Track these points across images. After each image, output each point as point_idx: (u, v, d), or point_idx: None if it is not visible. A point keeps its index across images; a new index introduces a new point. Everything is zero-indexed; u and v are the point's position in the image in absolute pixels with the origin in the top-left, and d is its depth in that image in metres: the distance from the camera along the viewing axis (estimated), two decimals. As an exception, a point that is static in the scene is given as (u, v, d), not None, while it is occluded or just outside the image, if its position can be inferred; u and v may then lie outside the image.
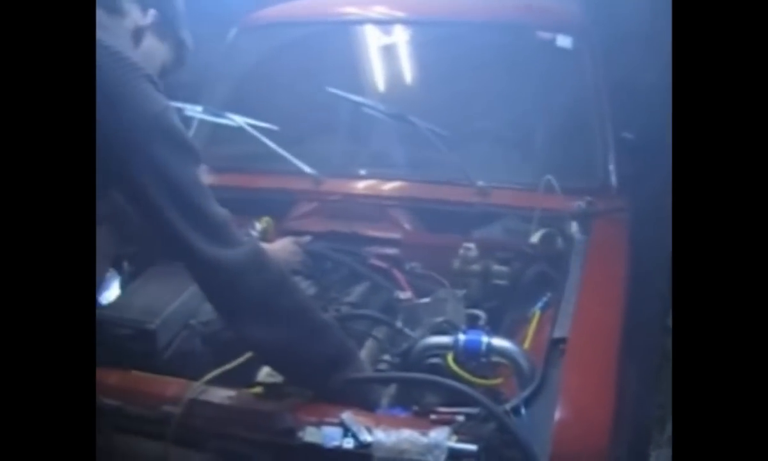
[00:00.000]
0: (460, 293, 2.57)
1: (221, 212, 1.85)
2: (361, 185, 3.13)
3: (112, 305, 2.33)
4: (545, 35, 3.26)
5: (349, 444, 1.79)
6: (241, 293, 1.83)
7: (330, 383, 1.94)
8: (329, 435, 1.82)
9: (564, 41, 3.22)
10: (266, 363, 2.00)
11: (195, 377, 2.01)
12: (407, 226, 2.92)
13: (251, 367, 2.03)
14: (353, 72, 3.40)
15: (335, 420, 1.84)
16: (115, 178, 1.79)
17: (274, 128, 3.09)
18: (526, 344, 2.19)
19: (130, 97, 1.75)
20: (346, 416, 1.83)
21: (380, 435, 1.77)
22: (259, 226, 2.88)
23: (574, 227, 2.65)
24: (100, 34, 1.77)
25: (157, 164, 1.74)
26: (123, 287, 2.53)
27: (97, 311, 2.28)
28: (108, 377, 2.08)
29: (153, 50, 2.08)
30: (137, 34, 2.03)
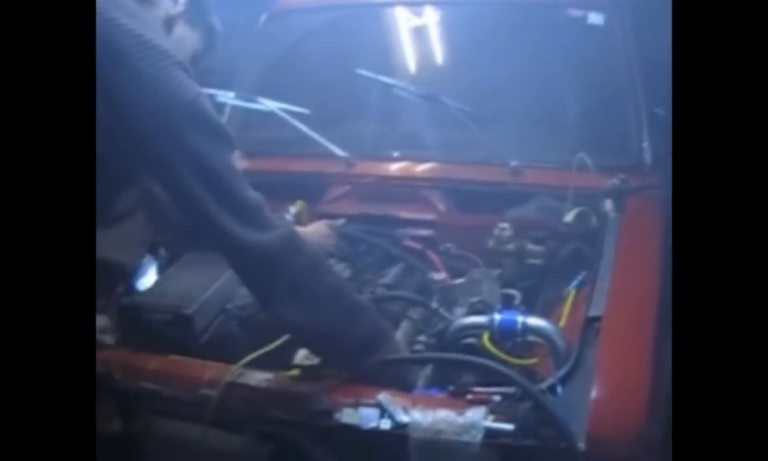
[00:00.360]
0: (495, 273, 2.57)
1: (255, 196, 1.85)
2: (393, 167, 3.13)
3: (149, 291, 2.36)
4: (577, 12, 3.23)
5: (386, 424, 1.80)
6: (275, 276, 1.84)
7: (365, 364, 1.95)
8: (366, 417, 1.83)
9: (596, 18, 3.19)
10: (302, 345, 2.01)
11: (232, 360, 2.03)
12: (441, 207, 2.91)
13: (288, 350, 2.04)
14: (384, 54, 3.40)
15: (372, 402, 1.85)
16: (149, 165, 1.81)
17: (306, 112, 3.10)
18: (562, 323, 2.19)
19: (162, 85, 1.75)
20: (383, 397, 1.84)
21: (417, 416, 1.77)
22: (293, 210, 2.89)
23: (608, 204, 2.63)
24: (131, 23, 1.78)
25: (191, 151, 1.75)
26: (159, 273, 2.56)
27: (135, 297, 2.32)
28: (146, 362, 2.11)
29: (184, 38, 2.09)
30: (169, 23, 2.04)
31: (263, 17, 3.75)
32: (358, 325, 1.95)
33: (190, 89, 1.79)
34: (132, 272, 2.39)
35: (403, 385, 1.97)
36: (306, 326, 1.90)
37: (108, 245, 1.90)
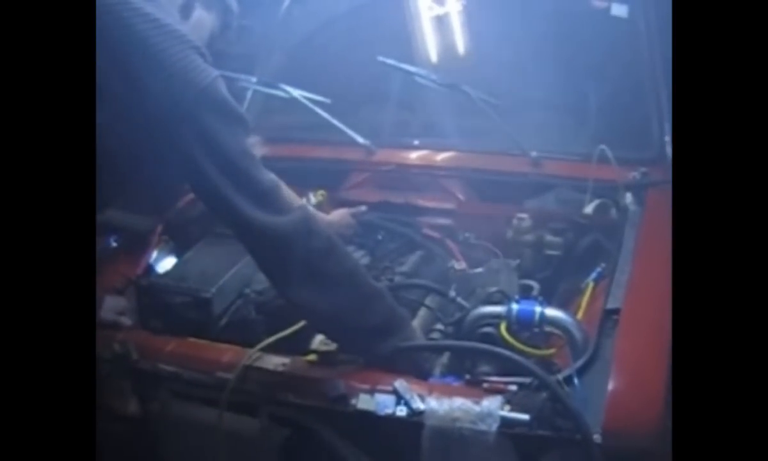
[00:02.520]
0: (514, 263, 2.57)
1: (271, 178, 1.87)
2: (413, 155, 3.13)
3: (168, 274, 2.37)
4: (600, 4, 3.21)
5: (402, 411, 1.81)
6: (291, 259, 1.84)
7: (381, 349, 1.96)
8: (382, 403, 1.84)
9: (619, 10, 3.17)
10: (317, 329, 2.02)
11: (249, 344, 2.04)
12: (460, 196, 2.91)
13: (305, 335, 2.06)
14: (406, 42, 3.39)
15: (388, 388, 1.86)
16: (167, 148, 1.81)
17: (327, 100, 3.10)
18: (580, 315, 2.19)
19: (179, 69, 1.77)
20: (399, 384, 1.84)
21: (433, 403, 1.78)
22: (314, 199, 2.90)
23: (628, 198, 2.63)
24: (149, 7, 1.79)
25: (207, 134, 1.77)
26: (178, 256, 2.57)
27: (154, 280, 2.33)
28: (164, 344, 2.13)
29: (201, 21, 2.09)
30: (186, 8, 2.04)
31: (286, 2, 3.74)
32: (374, 310, 1.95)
33: (207, 74, 1.80)
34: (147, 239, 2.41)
35: (419, 373, 1.98)
36: (321, 311, 1.90)
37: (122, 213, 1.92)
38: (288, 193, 1.91)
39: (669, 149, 2.87)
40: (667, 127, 2.91)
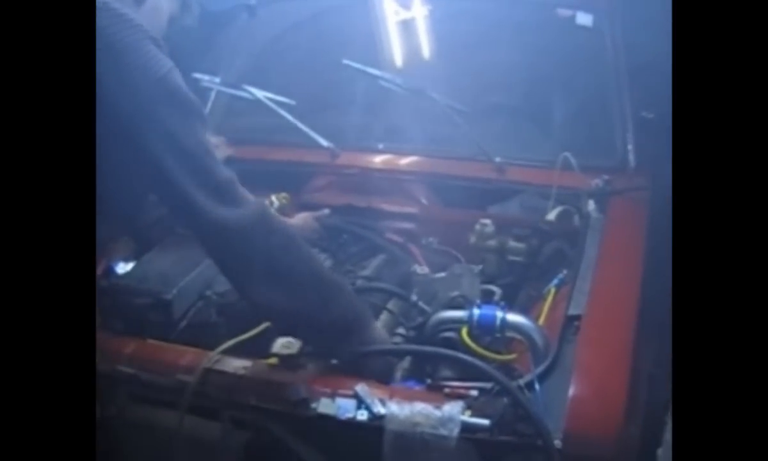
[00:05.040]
0: (476, 268, 2.57)
1: (227, 172, 1.84)
2: (378, 159, 3.13)
3: (128, 275, 2.35)
4: (565, 12, 3.23)
5: (362, 415, 1.81)
6: (250, 254, 1.83)
7: (343, 350, 1.95)
8: (343, 407, 1.83)
9: (584, 19, 3.19)
10: (279, 327, 2.01)
11: (210, 347, 2.02)
12: (424, 201, 2.92)
13: (266, 338, 2.04)
14: (371, 46, 3.39)
15: (349, 392, 1.85)
16: (121, 140, 1.78)
17: (291, 102, 3.09)
18: (541, 321, 2.19)
19: (134, 59, 1.74)
20: (360, 388, 1.84)
21: (394, 408, 1.77)
22: (276, 202, 2.89)
23: (591, 205, 2.64)
24: None
25: (162, 125, 1.75)
26: (139, 257, 2.54)
27: (114, 281, 2.30)
28: (124, 345, 2.10)
29: (157, 7, 2.05)
30: None
31: (253, 2, 3.72)
32: (337, 306, 1.94)
33: (162, 64, 1.78)
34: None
35: (381, 374, 1.97)
36: (283, 308, 1.89)
37: None
38: (244, 189, 1.89)
39: (632, 157, 2.90)
40: (630, 135, 2.94)
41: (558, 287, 2.35)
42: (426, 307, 2.32)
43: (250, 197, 1.87)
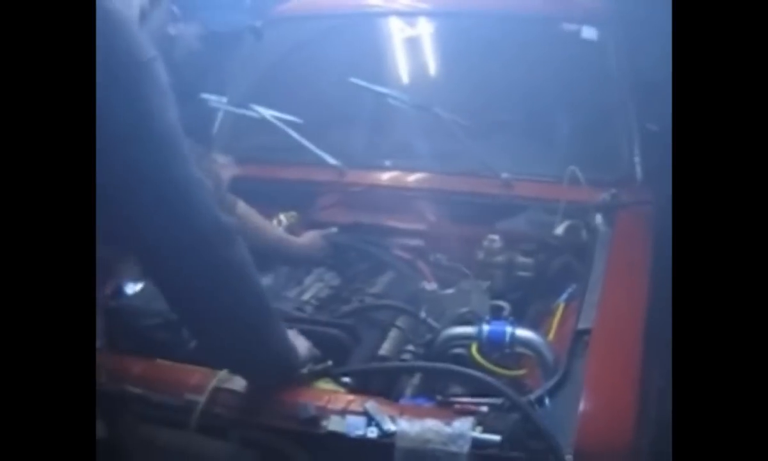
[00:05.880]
0: (485, 284, 2.57)
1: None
2: (385, 176, 3.13)
3: (137, 295, 2.35)
4: (570, 27, 3.25)
5: (373, 433, 1.80)
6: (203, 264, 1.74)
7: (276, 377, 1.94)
8: (353, 424, 1.82)
9: (589, 33, 3.21)
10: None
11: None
12: (431, 217, 2.92)
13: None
14: (378, 64, 3.41)
15: (359, 410, 1.84)
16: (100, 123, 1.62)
17: (298, 120, 3.10)
18: (550, 336, 2.19)
19: (119, 41, 1.63)
20: (370, 405, 1.83)
21: (404, 425, 1.77)
22: (285, 220, 2.90)
23: (598, 218, 2.64)
24: None
25: (144, 106, 1.65)
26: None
27: (123, 301, 2.30)
28: (133, 366, 2.10)
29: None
30: None
31: (259, 25, 3.74)
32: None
33: (147, 50, 1.68)
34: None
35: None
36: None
37: None
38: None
39: (638, 170, 2.90)
40: (637, 148, 2.94)
41: (567, 301, 2.35)
42: (435, 323, 2.31)
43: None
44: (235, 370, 1.96)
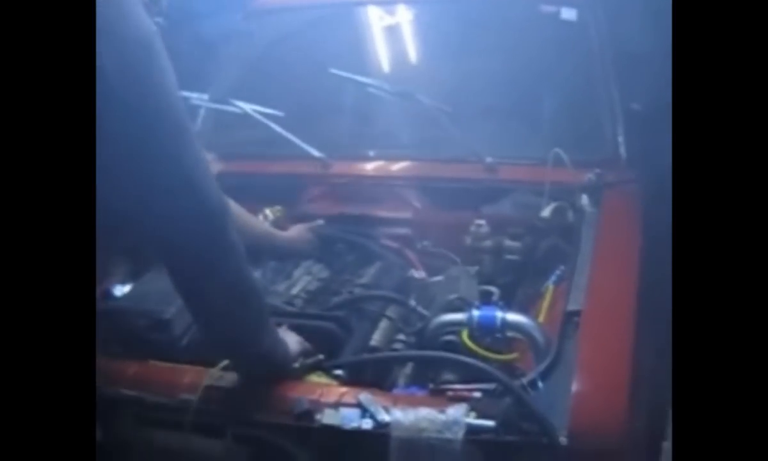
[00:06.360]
0: (473, 270, 2.58)
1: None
2: (369, 166, 3.13)
3: (126, 296, 2.34)
4: (549, 8, 3.24)
5: (367, 424, 1.80)
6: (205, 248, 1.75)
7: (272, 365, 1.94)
8: (347, 417, 1.82)
9: (568, 14, 3.20)
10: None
11: (211, 364, 2.02)
12: (417, 205, 2.92)
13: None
14: (358, 54, 3.40)
15: (353, 401, 1.84)
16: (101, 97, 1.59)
17: (279, 114, 3.09)
18: (541, 318, 2.20)
19: (122, 16, 1.58)
20: (364, 396, 1.83)
21: (398, 415, 1.77)
22: (271, 215, 2.89)
23: (584, 199, 2.64)
24: None
25: (145, 83, 1.61)
26: (136, 278, 2.54)
27: (112, 303, 2.30)
28: (125, 368, 2.09)
29: None
30: None
31: (237, 18, 3.73)
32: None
33: (149, 25, 1.64)
34: None
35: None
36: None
37: None
38: None
39: (623, 150, 2.90)
40: (620, 127, 2.94)
41: (556, 283, 2.36)
42: (425, 312, 2.32)
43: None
44: (233, 354, 1.96)
